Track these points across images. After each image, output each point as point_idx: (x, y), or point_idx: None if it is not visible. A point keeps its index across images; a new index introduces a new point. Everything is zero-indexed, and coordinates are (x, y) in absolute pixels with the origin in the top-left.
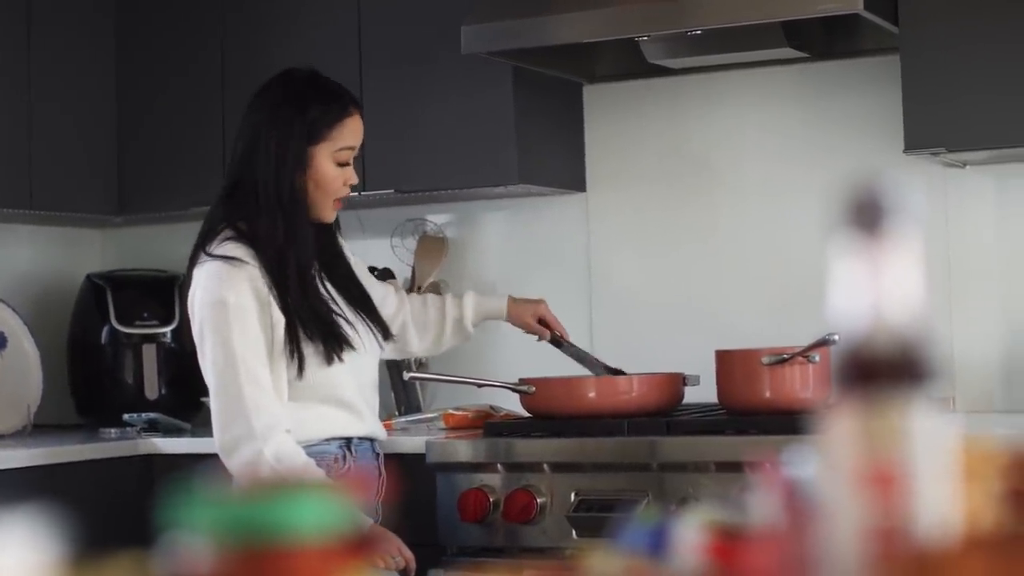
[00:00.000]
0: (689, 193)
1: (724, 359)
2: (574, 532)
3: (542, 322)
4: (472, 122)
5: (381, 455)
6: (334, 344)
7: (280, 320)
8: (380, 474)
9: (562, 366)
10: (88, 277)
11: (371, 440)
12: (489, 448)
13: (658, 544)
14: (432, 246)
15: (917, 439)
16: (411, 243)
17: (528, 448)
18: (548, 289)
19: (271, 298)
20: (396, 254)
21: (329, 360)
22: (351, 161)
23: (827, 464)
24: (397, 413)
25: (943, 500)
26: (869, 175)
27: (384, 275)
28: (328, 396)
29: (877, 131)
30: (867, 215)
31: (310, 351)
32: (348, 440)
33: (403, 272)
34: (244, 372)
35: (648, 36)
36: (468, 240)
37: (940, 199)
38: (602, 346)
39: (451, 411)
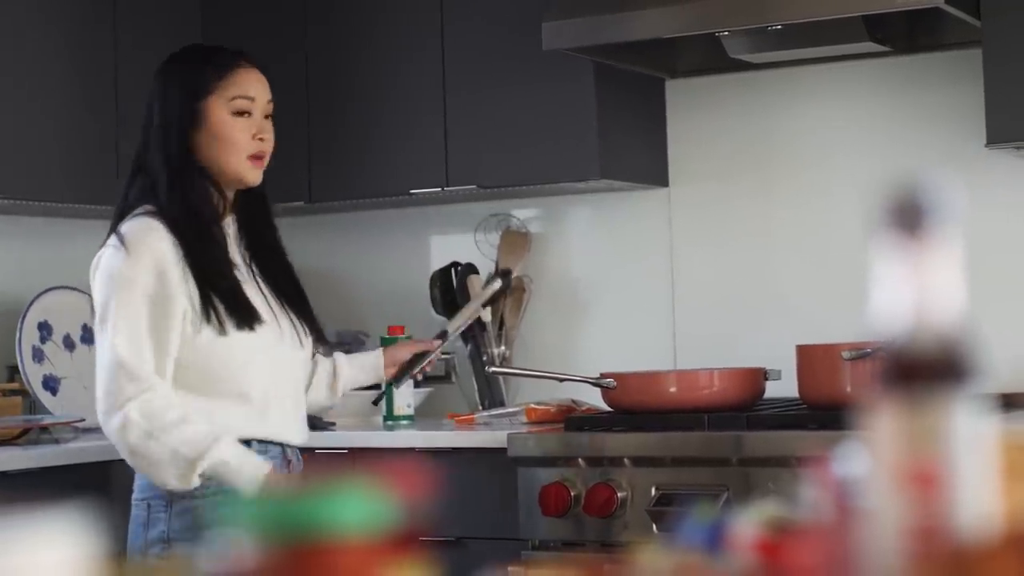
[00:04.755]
0: (771, 187)
1: (805, 353)
2: (655, 526)
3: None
4: (554, 118)
5: (295, 462)
6: (235, 308)
7: (194, 290)
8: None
9: (644, 361)
10: None
11: (281, 445)
12: (570, 442)
13: (714, 540)
14: (515, 241)
15: (959, 438)
16: (494, 238)
17: (609, 442)
18: (630, 283)
19: (181, 263)
20: (480, 249)
21: (222, 329)
22: (255, 113)
23: (870, 463)
24: (480, 407)
25: (984, 499)
26: (909, 175)
27: (468, 270)
28: (228, 385)
29: (959, 125)
30: (907, 216)
31: (214, 317)
32: (246, 444)
33: (486, 267)
34: (120, 339)
35: (729, 31)
36: (551, 235)
37: (1022, 193)
38: (684, 340)
39: (533, 405)
